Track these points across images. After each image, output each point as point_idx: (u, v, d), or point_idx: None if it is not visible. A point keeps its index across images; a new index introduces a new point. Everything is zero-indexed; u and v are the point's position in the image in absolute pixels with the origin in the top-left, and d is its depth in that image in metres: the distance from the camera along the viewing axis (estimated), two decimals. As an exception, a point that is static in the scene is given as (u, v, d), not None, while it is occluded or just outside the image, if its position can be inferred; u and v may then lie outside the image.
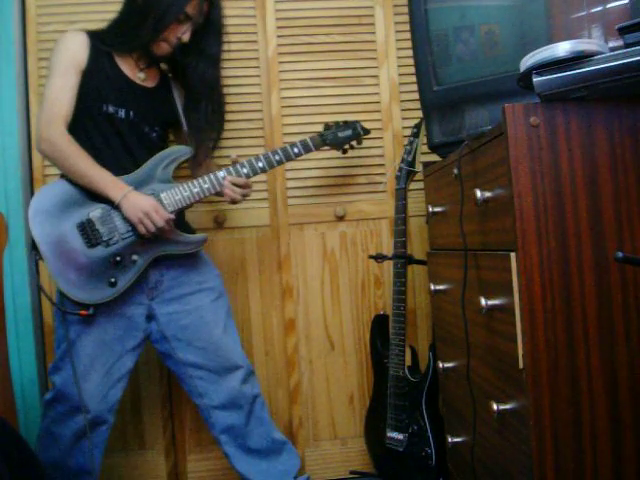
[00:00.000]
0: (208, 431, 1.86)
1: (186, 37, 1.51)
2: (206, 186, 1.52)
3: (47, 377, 1.83)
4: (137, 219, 1.42)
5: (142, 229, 1.43)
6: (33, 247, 1.42)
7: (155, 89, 1.60)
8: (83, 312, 1.40)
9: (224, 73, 1.69)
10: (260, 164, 1.57)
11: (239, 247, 1.92)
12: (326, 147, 1.72)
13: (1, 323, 1.53)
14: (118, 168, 1.48)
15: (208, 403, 1.58)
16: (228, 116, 1.77)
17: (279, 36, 1.92)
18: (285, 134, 1.91)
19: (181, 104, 1.66)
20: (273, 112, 1.91)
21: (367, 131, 1.78)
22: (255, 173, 1.57)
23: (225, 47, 1.62)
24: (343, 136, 1.71)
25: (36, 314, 1.83)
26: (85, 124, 1.49)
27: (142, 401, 1.87)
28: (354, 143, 1.77)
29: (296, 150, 1.62)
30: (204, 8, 1.54)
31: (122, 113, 1.51)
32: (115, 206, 1.43)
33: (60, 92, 1.45)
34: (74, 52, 1.48)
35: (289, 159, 1.62)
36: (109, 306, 1.46)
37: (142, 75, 1.57)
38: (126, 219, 1.44)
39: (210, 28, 1.57)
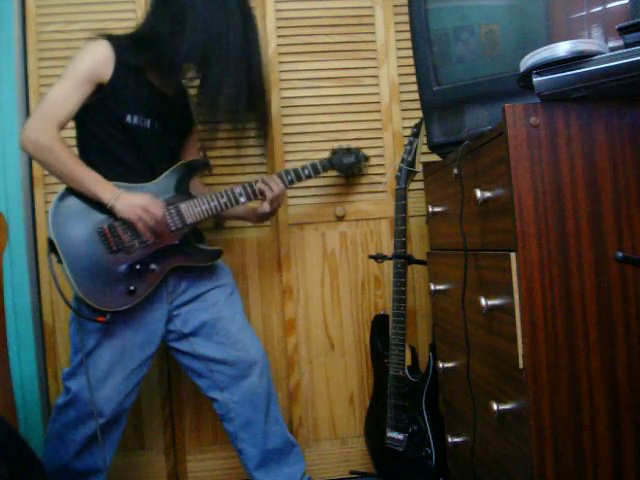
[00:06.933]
0: (209, 430, 1.85)
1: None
2: (223, 200, 1.56)
3: (47, 377, 1.83)
4: (136, 216, 1.41)
5: (141, 226, 1.42)
6: (52, 250, 1.40)
7: (176, 97, 1.60)
8: (101, 319, 1.39)
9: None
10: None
11: (239, 247, 1.92)
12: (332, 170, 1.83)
13: (1, 323, 1.53)
14: (134, 176, 1.48)
15: (229, 397, 1.58)
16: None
17: (279, 36, 1.92)
18: (285, 134, 1.91)
19: (194, 106, 1.66)
20: (273, 112, 1.90)
21: (367, 158, 1.90)
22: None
23: None
24: (347, 162, 1.84)
25: (36, 314, 1.83)
26: (100, 134, 1.46)
27: (142, 401, 1.87)
28: (356, 170, 1.89)
29: (307, 172, 1.71)
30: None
31: (147, 123, 1.49)
32: (109, 208, 1.41)
33: (65, 97, 1.40)
34: (97, 66, 1.42)
35: (299, 180, 1.70)
36: (128, 313, 1.45)
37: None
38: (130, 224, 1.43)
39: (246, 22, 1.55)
